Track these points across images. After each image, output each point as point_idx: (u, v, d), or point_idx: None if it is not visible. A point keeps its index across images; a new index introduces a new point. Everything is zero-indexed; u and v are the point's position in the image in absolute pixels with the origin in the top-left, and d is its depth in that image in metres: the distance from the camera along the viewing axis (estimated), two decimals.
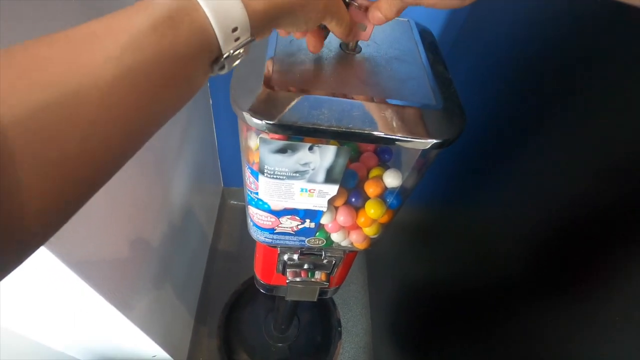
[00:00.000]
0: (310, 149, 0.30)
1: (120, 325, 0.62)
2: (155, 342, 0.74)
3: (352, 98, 0.29)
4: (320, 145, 0.30)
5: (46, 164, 0.15)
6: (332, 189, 0.35)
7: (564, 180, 0.41)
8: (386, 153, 0.41)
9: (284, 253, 0.48)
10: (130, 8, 0.18)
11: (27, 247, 0.16)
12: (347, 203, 0.39)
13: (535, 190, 0.45)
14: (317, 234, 0.42)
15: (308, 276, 0.51)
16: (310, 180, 0.33)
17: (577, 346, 0.37)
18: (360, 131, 0.27)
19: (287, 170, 0.32)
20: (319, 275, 0.51)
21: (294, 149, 0.30)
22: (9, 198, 0.14)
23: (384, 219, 0.40)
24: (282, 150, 0.30)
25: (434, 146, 0.29)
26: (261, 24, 0.21)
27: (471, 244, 0.60)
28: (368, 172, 0.40)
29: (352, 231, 0.42)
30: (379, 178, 0.39)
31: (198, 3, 0.18)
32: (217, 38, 0.19)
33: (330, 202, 0.37)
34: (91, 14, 0.41)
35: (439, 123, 0.29)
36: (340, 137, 0.28)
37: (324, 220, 0.39)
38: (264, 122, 0.27)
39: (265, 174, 0.32)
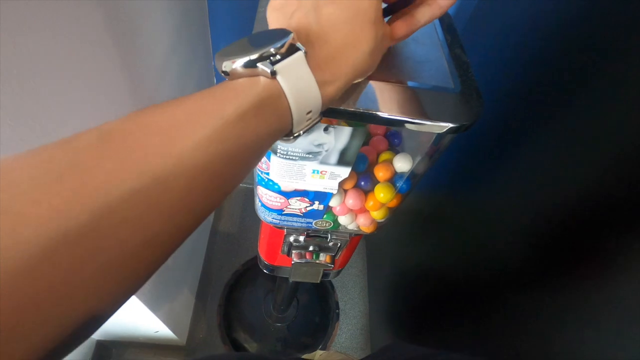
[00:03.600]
0: (326, 129, 0.30)
1: (128, 301, 0.63)
2: (159, 318, 0.75)
3: (370, 79, 0.28)
4: (335, 126, 0.30)
5: (133, 247, 0.15)
6: (344, 172, 0.35)
7: (568, 173, 0.41)
8: (396, 137, 0.41)
9: (290, 234, 0.48)
10: (220, 90, 0.19)
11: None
12: (357, 186, 0.39)
13: (539, 181, 0.45)
14: (325, 216, 0.42)
15: (313, 258, 0.51)
16: (323, 162, 0.33)
17: (569, 333, 0.38)
18: (377, 113, 0.27)
19: (300, 150, 0.32)
20: (323, 258, 0.51)
21: (308, 129, 0.30)
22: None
23: (393, 203, 0.40)
24: None
25: (449, 130, 0.29)
26: (329, 104, 0.23)
27: (471, 232, 0.60)
28: (378, 156, 0.40)
29: (359, 214, 0.42)
30: (389, 162, 0.39)
31: (283, 93, 0.19)
32: (292, 121, 0.20)
33: (340, 184, 0.37)
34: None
35: (457, 107, 0.29)
36: (357, 118, 0.27)
37: (333, 202, 0.39)
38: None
39: (278, 154, 0.32)
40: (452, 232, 0.67)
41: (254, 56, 0.19)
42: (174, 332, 0.86)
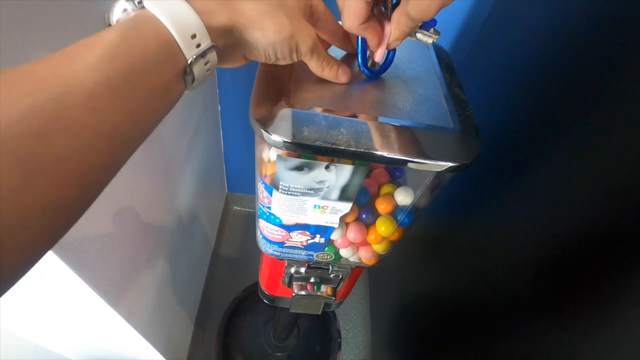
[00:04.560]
0: (327, 167, 0.30)
1: (121, 329, 0.62)
2: (155, 347, 0.73)
3: (370, 119, 0.29)
4: (336, 164, 0.30)
5: (40, 164, 0.16)
6: (346, 207, 0.35)
7: (575, 199, 0.41)
8: (397, 170, 0.41)
9: (291, 266, 0.48)
10: (102, 30, 0.20)
11: (13, 265, 0.17)
12: (358, 219, 0.39)
13: (545, 207, 0.45)
14: (327, 249, 0.42)
15: (314, 289, 0.51)
16: (324, 198, 0.33)
17: None
18: (378, 153, 0.27)
19: (302, 187, 0.32)
20: (325, 289, 0.51)
21: (310, 167, 0.30)
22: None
23: (394, 236, 0.40)
24: (298, 168, 0.30)
25: (449, 169, 0.29)
26: (220, 34, 0.23)
27: (475, 259, 0.60)
28: (379, 189, 0.40)
29: (361, 247, 0.42)
30: (390, 195, 0.39)
31: (155, 15, 0.20)
32: (178, 45, 0.21)
33: (342, 218, 0.37)
34: None
35: (456, 146, 0.29)
36: (357, 157, 0.28)
37: (334, 236, 0.39)
38: (281, 140, 0.27)
39: (280, 190, 0.32)
40: (457, 258, 0.66)
41: (122, 2, 0.21)
42: None
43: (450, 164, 0.29)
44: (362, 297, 1.22)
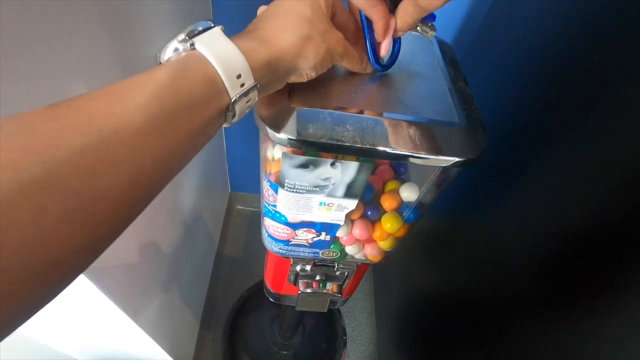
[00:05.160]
0: (332, 164, 0.30)
1: (128, 330, 0.62)
2: (162, 347, 0.74)
3: (375, 115, 0.29)
4: (342, 160, 0.30)
5: (82, 202, 0.16)
6: (351, 204, 0.35)
7: (580, 195, 0.40)
8: (402, 166, 0.41)
9: (297, 264, 0.48)
10: (150, 69, 0.21)
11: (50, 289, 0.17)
12: (363, 216, 0.39)
13: (548, 203, 0.45)
14: (332, 246, 0.42)
15: (320, 287, 0.51)
16: (330, 195, 0.33)
17: (586, 357, 0.37)
18: (383, 148, 0.27)
19: (307, 184, 0.32)
20: (330, 287, 0.51)
21: (315, 164, 0.30)
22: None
23: (400, 233, 0.40)
24: (303, 165, 0.30)
25: (455, 164, 0.29)
26: (264, 72, 0.24)
27: (480, 255, 0.59)
28: (384, 186, 0.40)
29: (367, 244, 0.42)
30: (395, 192, 0.39)
31: (205, 57, 0.21)
32: (224, 84, 0.22)
33: (347, 215, 0.37)
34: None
35: (462, 141, 0.29)
36: (363, 154, 0.28)
37: (340, 233, 0.39)
38: (287, 137, 0.27)
39: (286, 188, 0.32)
40: (462, 254, 0.66)
41: (175, 41, 0.22)
42: None
43: (456, 159, 0.28)
44: (367, 294, 1.22)
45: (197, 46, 0.22)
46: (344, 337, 1.10)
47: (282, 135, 0.27)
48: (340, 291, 0.51)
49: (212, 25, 0.23)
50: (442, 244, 0.76)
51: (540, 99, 0.50)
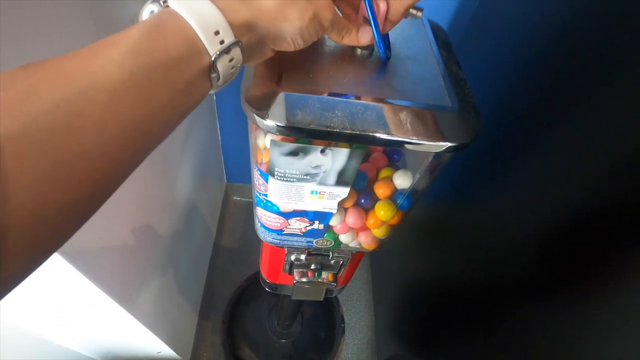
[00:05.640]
0: (322, 151, 0.29)
1: (126, 322, 0.62)
2: (160, 338, 0.74)
3: (366, 99, 0.28)
4: (332, 147, 0.29)
5: (64, 159, 0.16)
6: (343, 192, 0.34)
7: (572, 179, 0.40)
8: (395, 153, 0.40)
9: (291, 253, 0.47)
10: (126, 28, 0.20)
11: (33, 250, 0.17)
12: (357, 204, 0.39)
13: (544, 188, 0.44)
14: (326, 235, 0.42)
15: (315, 276, 0.50)
16: (321, 183, 0.33)
17: (581, 343, 0.37)
18: (374, 134, 0.27)
19: (298, 172, 0.31)
20: (326, 276, 0.51)
21: (305, 152, 0.30)
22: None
23: (394, 220, 0.39)
24: (293, 153, 0.29)
25: (448, 149, 0.28)
26: (243, 30, 0.23)
27: (477, 241, 0.59)
28: (377, 173, 0.39)
29: (361, 232, 0.42)
30: (389, 179, 0.38)
31: (178, 13, 0.20)
32: (202, 41, 0.21)
33: (340, 203, 0.36)
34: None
35: (454, 126, 0.29)
36: (353, 140, 0.27)
37: (333, 221, 0.39)
38: (275, 124, 0.26)
39: (276, 177, 0.32)
40: (458, 241, 0.66)
41: (150, 1, 0.21)
42: (176, 351, 0.85)
43: (449, 144, 0.28)
44: (365, 282, 1.23)
45: (170, 3, 0.21)
46: (342, 325, 1.11)
47: (270, 122, 0.26)
48: (335, 280, 0.51)
49: None
50: (438, 232, 0.76)
51: (536, 83, 0.49)
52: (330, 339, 1.09)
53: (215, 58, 0.21)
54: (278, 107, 0.27)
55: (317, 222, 0.39)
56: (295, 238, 0.42)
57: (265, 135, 0.32)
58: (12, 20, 0.29)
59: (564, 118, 0.42)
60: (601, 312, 0.35)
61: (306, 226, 0.40)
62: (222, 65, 0.22)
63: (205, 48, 0.21)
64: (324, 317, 1.12)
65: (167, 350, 0.81)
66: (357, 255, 0.50)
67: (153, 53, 0.19)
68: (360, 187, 0.38)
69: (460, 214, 0.67)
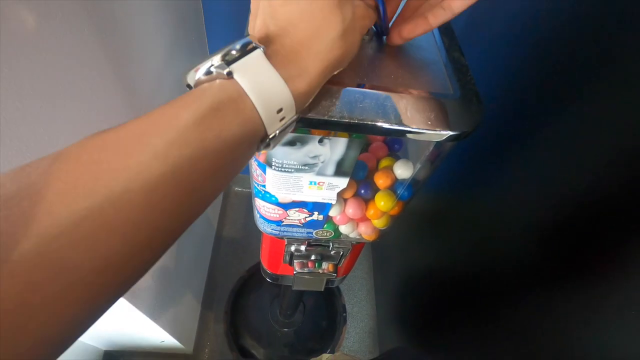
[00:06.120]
0: (320, 141, 0.29)
1: (128, 313, 0.62)
2: (163, 328, 0.75)
3: (365, 87, 0.27)
4: (330, 137, 0.29)
5: (81, 276, 0.14)
6: (342, 182, 0.34)
7: (577, 169, 0.39)
8: (396, 143, 0.40)
9: (291, 244, 0.47)
10: (179, 100, 0.18)
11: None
12: (356, 195, 0.38)
13: (547, 178, 0.44)
14: (325, 226, 0.41)
15: (315, 267, 0.50)
16: (320, 173, 0.32)
17: (582, 334, 0.37)
18: (373, 123, 0.26)
19: (295, 163, 0.31)
20: (326, 266, 0.51)
21: (302, 142, 0.29)
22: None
23: (394, 211, 0.39)
24: (290, 143, 0.29)
25: (449, 138, 0.28)
26: (305, 101, 0.22)
27: (478, 231, 0.59)
28: (378, 163, 0.39)
29: (360, 223, 0.41)
30: (389, 169, 0.38)
31: (244, 91, 0.18)
32: (262, 121, 0.19)
33: (339, 194, 0.36)
34: None
35: (456, 114, 0.28)
36: (352, 129, 0.26)
37: (333, 212, 0.38)
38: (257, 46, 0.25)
39: (273, 167, 0.31)
40: (460, 231, 0.66)
41: (210, 62, 0.19)
42: (179, 341, 0.86)
43: (451, 133, 0.27)
44: (366, 271, 1.23)
45: (235, 76, 0.18)
46: (344, 314, 1.12)
47: None
48: (336, 270, 0.51)
49: (252, 44, 0.19)
50: (440, 221, 0.76)
51: (541, 71, 0.48)
52: (332, 328, 1.09)
53: (273, 136, 0.20)
54: None
55: (316, 213, 0.38)
56: (294, 229, 0.42)
57: None
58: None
59: (568, 105, 0.41)
60: (603, 302, 0.35)
61: (305, 217, 0.39)
62: (276, 140, 0.21)
63: (264, 127, 0.19)
64: (326, 306, 1.13)
65: (171, 340, 0.82)
66: (358, 245, 0.50)
67: (204, 141, 0.17)
68: (359, 177, 0.37)
69: (461, 203, 0.66)
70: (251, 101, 0.18)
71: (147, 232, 0.16)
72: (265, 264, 0.57)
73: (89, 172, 0.15)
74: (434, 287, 0.75)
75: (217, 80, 0.19)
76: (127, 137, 0.16)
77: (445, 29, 0.35)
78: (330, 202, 0.36)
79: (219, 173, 0.18)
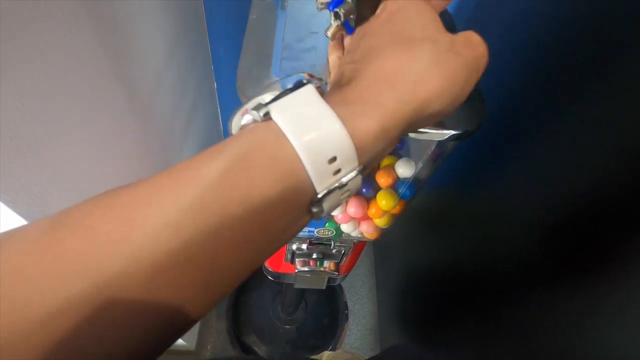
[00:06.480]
0: None
1: None
2: None
3: None
4: None
5: None
6: None
7: (577, 167, 0.39)
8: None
9: (293, 242, 0.47)
10: (204, 153, 0.14)
11: None
12: (358, 193, 0.38)
13: (550, 177, 0.43)
14: (327, 224, 0.41)
15: (317, 265, 0.50)
16: None
17: (583, 333, 0.37)
18: None
19: None
20: (327, 265, 0.51)
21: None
22: None
23: (396, 209, 0.39)
24: None
25: (452, 138, 0.27)
26: (375, 148, 0.15)
27: (480, 229, 0.59)
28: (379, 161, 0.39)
29: (362, 222, 0.41)
30: (391, 168, 0.37)
31: (282, 133, 0.14)
32: (308, 175, 0.14)
33: None
34: None
35: (458, 113, 0.27)
36: None
37: (334, 211, 0.38)
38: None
39: None
40: (462, 229, 0.66)
41: (258, 102, 0.15)
42: (181, 337, 0.86)
43: (453, 132, 0.27)
44: (368, 269, 1.23)
45: (273, 114, 0.14)
46: (346, 312, 1.12)
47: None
48: (337, 269, 0.51)
49: (305, 79, 0.16)
50: (442, 218, 0.76)
51: (543, 71, 0.47)
52: (334, 325, 1.10)
53: (324, 195, 0.15)
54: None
55: None
56: None
57: None
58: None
59: (573, 102, 0.41)
60: (605, 301, 0.35)
61: None
62: (330, 201, 0.15)
63: (311, 183, 0.14)
64: (328, 303, 1.13)
65: None
66: (359, 244, 0.50)
67: (227, 204, 0.13)
68: None
69: (463, 201, 0.66)
70: (291, 145, 0.14)
71: (148, 320, 0.13)
72: (266, 262, 0.57)
73: (85, 247, 0.12)
74: (436, 285, 0.75)
75: (251, 124, 0.15)
76: (136, 200, 0.13)
77: (447, 24, 0.34)
78: None
79: (249, 246, 0.14)
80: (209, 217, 0.13)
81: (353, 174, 0.15)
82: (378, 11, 0.20)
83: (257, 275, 1.14)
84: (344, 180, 0.15)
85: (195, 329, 1.02)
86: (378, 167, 0.38)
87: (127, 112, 0.49)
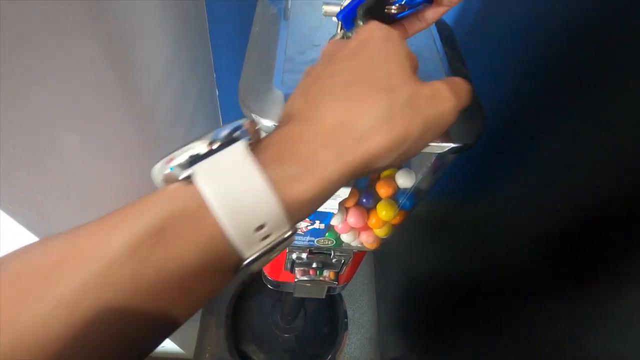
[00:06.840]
0: None
1: None
2: None
3: None
4: None
5: None
6: (344, 192, 0.34)
7: (580, 176, 0.39)
8: None
9: (293, 252, 0.47)
10: (117, 214, 0.13)
11: None
12: (358, 204, 0.38)
13: (549, 185, 0.43)
14: (327, 234, 0.41)
15: (317, 274, 0.50)
16: None
17: (586, 341, 0.36)
18: None
19: None
20: (327, 274, 0.50)
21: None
22: None
23: (396, 220, 0.39)
24: None
25: (451, 151, 0.28)
26: (307, 210, 0.15)
27: (480, 238, 0.59)
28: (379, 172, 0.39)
29: (362, 232, 0.41)
30: (391, 178, 0.37)
31: (204, 202, 0.13)
32: (232, 244, 0.14)
33: (341, 203, 0.36)
34: None
35: (458, 126, 0.28)
36: None
37: (334, 221, 0.38)
38: (273, 124, 0.26)
39: None
40: (462, 238, 0.66)
41: (190, 151, 0.14)
42: (180, 346, 0.86)
43: (452, 145, 0.27)
44: (368, 278, 1.23)
45: (197, 179, 0.13)
46: (345, 320, 1.11)
47: (267, 122, 0.25)
48: (337, 278, 0.51)
49: (239, 130, 0.15)
50: (442, 228, 0.75)
51: (543, 80, 0.48)
52: (333, 334, 1.09)
53: (250, 262, 0.14)
54: (275, 106, 0.26)
55: (317, 221, 0.38)
56: (296, 237, 0.42)
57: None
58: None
59: (574, 113, 0.41)
60: (607, 306, 0.34)
61: (307, 225, 0.39)
62: (260, 263, 0.15)
63: (238, 251, 0.14)
64: (327, 312, 1.13)
65: (171, 344, 0.82)
66: (359, 254, 0.50)
67: (140, 278, 0.12)
68: (361, 186, 0.37)
69: (463, 209, 0.66)
70: (215, 215, 0.13)
71: None
72: (266, 271, 0.57)
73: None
74: (436, 294, 0.75)
75: (172, 186, 0.14)
76: (34, 271, 0.12)
77: (448, 39, 0.35)
78: (331, 211, 0.36)
79: (163, 318, 0.13)
80: (117, 293, 0.12)
81: (283, 236, 0.15)
82: (353, 34, 0.20)
83: (256, 283, 1.13)
84: (274, 243, 0.15)
85: (193, 337, 1.01)
86: (378, 178, 0.38)
87: (128, 112, 0.50)
